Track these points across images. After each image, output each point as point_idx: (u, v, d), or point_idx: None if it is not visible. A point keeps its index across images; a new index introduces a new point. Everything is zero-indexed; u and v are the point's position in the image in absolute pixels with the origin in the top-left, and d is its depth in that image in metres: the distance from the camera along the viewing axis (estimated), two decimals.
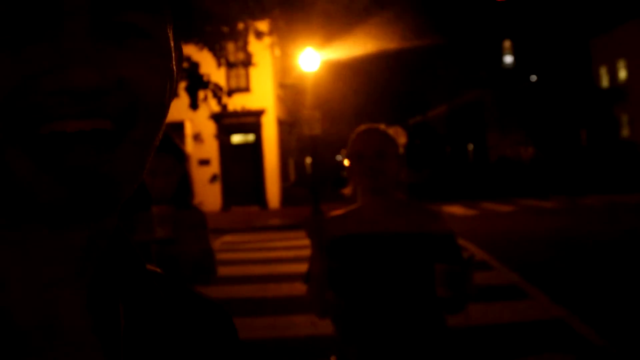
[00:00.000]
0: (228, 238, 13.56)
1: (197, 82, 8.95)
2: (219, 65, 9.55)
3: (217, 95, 9.13)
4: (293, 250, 10.43)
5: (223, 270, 8.18)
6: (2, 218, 0.46)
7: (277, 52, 17.58)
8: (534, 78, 43.05)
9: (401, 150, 2.20)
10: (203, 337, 0.59)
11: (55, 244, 0.48)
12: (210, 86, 9.10)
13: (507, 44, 47.86)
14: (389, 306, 2.04)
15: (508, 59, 47.92)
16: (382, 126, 2.23)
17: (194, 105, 9.02)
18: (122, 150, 0.45)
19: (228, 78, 19.34)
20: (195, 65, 9.04)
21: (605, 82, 37.53)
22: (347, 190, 2.24)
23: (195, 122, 18.86)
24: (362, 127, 2.24)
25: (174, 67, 0.51)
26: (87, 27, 0.43)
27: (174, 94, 0.52)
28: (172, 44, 0.50)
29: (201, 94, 9.21)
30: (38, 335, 0.47)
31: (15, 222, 0.46)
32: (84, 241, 0.49)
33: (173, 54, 0.50)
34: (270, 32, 10.83)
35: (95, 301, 0.51)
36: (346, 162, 2.24)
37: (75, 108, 0.42)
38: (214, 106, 9.73)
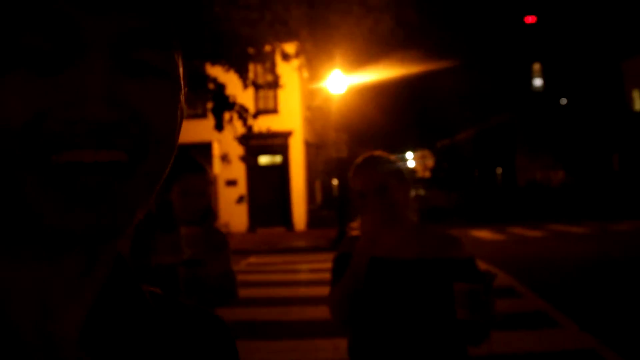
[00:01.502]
0: (253, 259, 13.56)
1: (222, 104, 9.01)
2: (245, 86, 9.60)
3: (243, 117, 9.17)
4: (318, 272, 10.36)
5: (247, 292, 8.16)
6: (3, 240, 0.47)
7: (305, 74, 17.68)
8: (564, 101, 42.61)
9: (415, 173, 2.11)
10: (201, 355, 0.60)
11: (54, 268, 0.49)
12: (236, 107, 9.15)
13: (536, 66, 47.48)
14: (404, 334, 1.98)
15: (537, 81, 47.50)
16: (379, 153, 2.16)
17: (219, 126, 9.08)
18: (135, 180, 0.47)
19: (256, 99, 19.50)
20: (221, 87, 9.12)
21: (638, 105, 36.93)
22: (356, 225, 2.14)
23: (223, 142, 19.02)
24: (359, 159, 2.16)
25: (184, 102, 0.53)
26: (106, 62, 0.45)
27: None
28: (182, 81, 0.52)
29: (227, 116, 9.26)
30: (36, 357, 0.48)
31: (15, 245, 0.47)
32: (82, 266, 0.50)
33: (183, 90, 0.53)
34: (297, 54, 10.88)
35: (93, 325, 0.52)
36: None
37: (93, 139, 0.44)
38: (240, 128, 9.78)
